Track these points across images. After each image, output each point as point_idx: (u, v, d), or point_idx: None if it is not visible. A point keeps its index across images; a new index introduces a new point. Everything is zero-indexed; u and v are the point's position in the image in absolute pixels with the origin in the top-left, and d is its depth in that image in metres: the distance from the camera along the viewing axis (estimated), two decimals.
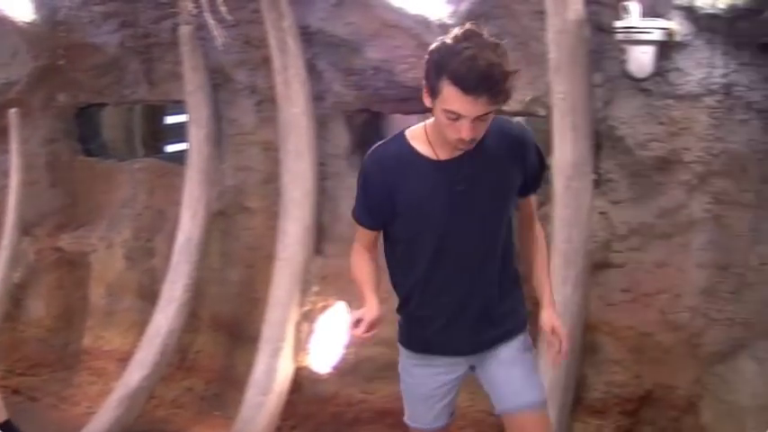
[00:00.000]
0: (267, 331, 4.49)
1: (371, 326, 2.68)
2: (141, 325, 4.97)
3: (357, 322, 2.69)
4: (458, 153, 2.55)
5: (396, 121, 5.98)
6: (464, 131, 2.41)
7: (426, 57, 2.44)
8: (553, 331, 2.75)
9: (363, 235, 2.82)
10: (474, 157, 2.56)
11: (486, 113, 2.40)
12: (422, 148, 2.61)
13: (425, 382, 2.88)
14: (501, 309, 2.79)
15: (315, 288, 4.59)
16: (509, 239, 2.78)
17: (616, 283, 4.19)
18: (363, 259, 2.84)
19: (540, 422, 2.79)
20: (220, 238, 5.05)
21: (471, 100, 2.34)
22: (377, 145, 2.72)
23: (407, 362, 2.92)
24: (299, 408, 4.78)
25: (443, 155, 2.58)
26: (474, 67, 2.31)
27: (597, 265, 4.16)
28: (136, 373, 4.63)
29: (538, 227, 2.92)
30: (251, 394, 4.44)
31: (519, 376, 2.81)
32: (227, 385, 5.02)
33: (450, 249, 2.66)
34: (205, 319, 5.14)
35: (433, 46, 2.43)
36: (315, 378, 4.73)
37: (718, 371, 4.01)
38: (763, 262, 3.96)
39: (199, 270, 4.81)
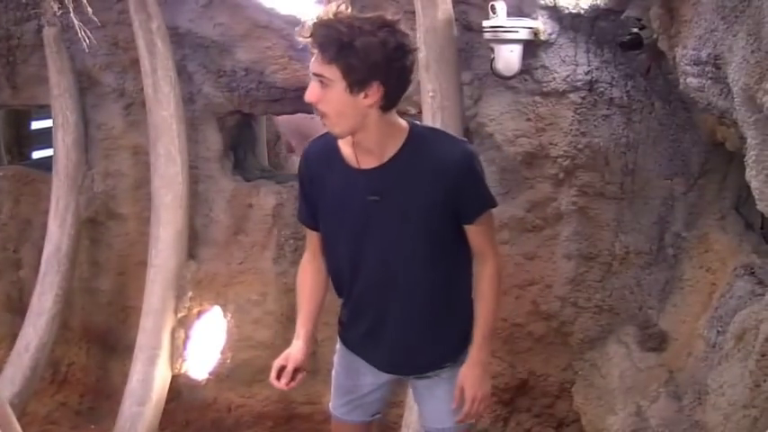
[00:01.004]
0: (142, 339, 4.38)
1: (295, 373, 2.65)
2: (10, 339, 4.78)
3: (279, 371, 2.65)
4: (379, 163, 2.47)
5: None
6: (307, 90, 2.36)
7: None
8: (462, 392, 2.64)
9: (308, 236, 2.77)
10: (394, 170, 2.47)
11: (322, 74, 2.30)
12: (346, 151, 2.53)
13: (349, 375, 2.86)
14: (426, 341, 2.69)
15: (189, 293, 4.50)
16: (448, 274, 2.65)
17: None
18: (305, 274, 2.79)
19: None
20: (90, 246, 4.91)
21: (310, 48, 2.30)
22: (314, 137, 2.65)
23: (339, 350, 2.89)
24: (177, 416, 4.70)
25: (364, 163, 2.49)
26: (320, 16, 2.29)
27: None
28: (6, 390, 4.42)
29: (489, 269, 2.64)
30: (127, 405, 4.32)
31: (443, 402, 2.76)
32: (103, 397, 4.88)
33: (366, 261, 2.61)
34: (77, 331, 4.98)
35: None
36: (193, 385, 4.66)
37: (587, 357, 4.16)
38: (627, 251, 4.13)
39: (69, 280, 4.65)
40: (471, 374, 2.64)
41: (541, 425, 4.35)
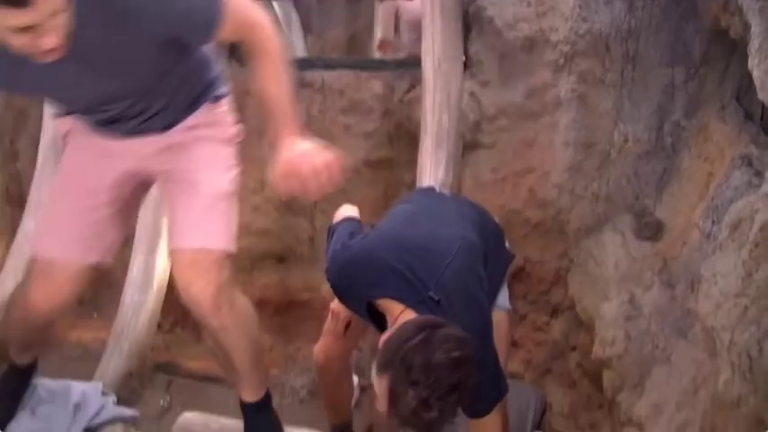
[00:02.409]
0: (141, 229, 4.40)
1: None
2: (10, 233, 4.78)
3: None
4: None
5: None
6: None
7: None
8: None
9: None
10: None
11: None
12: None
13: None
14: None
15: None
16: None
17: (486, 163, 4.27)
18: None
19: None
20: None
21: None
22: (342, 278, 2.80)
23: None
24: (179, 304, 4.74)
25: None
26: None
27: (467, 146, 4.22)
28: (9, 280, 4.47)
29: None
30: (129, 294, 4.36)
31: None
32: (104, 287, 4.91)
33: None
34: None
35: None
36: None
37: (583, 245, 4.17)
38: (626, 139, 4.10)
39: None
40: None
41: (537, 312, 4.42)
